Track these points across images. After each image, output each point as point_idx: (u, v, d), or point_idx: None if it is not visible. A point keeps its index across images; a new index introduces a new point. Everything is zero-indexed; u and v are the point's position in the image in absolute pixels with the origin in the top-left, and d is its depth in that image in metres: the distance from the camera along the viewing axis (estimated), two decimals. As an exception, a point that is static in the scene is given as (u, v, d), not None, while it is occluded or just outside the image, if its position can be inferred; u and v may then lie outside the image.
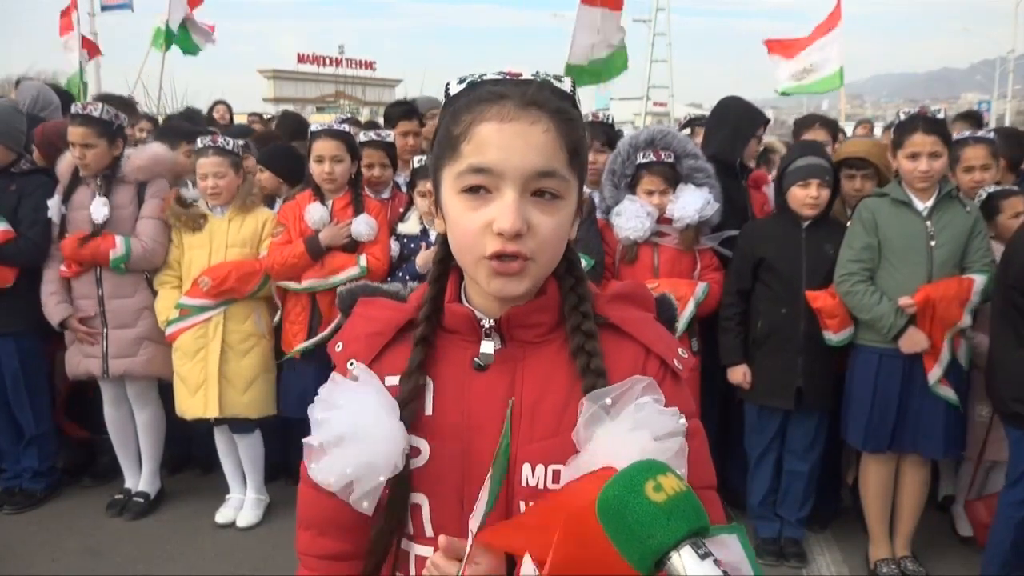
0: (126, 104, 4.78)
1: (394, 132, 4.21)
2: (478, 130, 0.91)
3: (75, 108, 3.58)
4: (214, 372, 3.51)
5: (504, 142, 0.90)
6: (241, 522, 3.68)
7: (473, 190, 0.92)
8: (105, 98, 4.68)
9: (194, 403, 3.55)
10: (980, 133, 3.60)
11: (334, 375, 1.01)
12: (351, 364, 1.01)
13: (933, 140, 2.98)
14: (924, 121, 3.00)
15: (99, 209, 3.50)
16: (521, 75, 0.94)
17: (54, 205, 3.60)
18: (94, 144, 3.49)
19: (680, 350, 1.03)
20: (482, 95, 0.92)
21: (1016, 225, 3.09)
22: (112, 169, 3.56)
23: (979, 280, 2.99)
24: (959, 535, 3.52)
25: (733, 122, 3.82)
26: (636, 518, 0.72)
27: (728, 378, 3.37)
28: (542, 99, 0.92)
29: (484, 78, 0.95)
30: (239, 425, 3.65)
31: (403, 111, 4.55)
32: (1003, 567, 2.93)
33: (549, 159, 0.91)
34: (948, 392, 3.06)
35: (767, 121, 3.90)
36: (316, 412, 0.98)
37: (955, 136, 3.66)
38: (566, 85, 0.96)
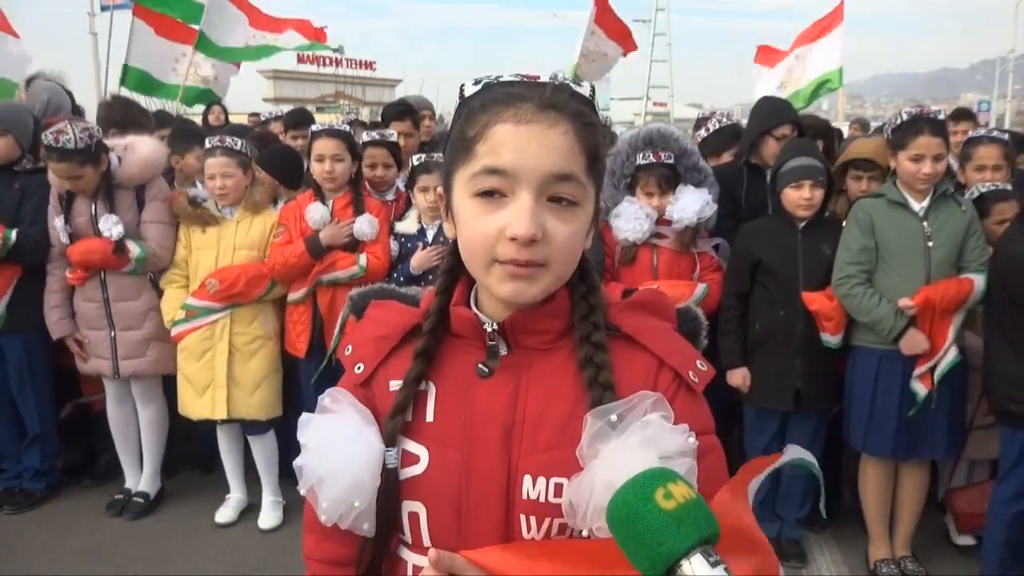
0: (142, 112, 4.76)
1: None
2: (494, 131, 0.88)
3: (47, 139, 3.38)
4: (222, 374, 3.51)
5: (520, 143, 0.87)
6: (264, 524, 3.69)
7: (487, 194, 0.89)
8: (119, 103, 4.69)
9: (201, 404, 3.55)
10: (995, 133, 3.58)
11: (320, 402, 1.00)
12: (322, 397, 1.01)
13: (939, 142, 2.97)
14: (928, 123, 2.98)
15: (113, 228, 3.47)
16: (539, 77, 0.92)
17: (60, 226, 3.56)
18: (80, 174, 3.44)
19: (699, 362, 0.98)
20: (498, 96, 0.90)
21: (1002, 231, 3.10)
22: (107, 181, 3.54)
23: (979, 280, 2.99)
24: (955, 544, 3.50)
25: (750, 122, 3.84)
26: (646, 525, 0.72)
27: (727, 381, 3.37)
28: (561, 102, 0.89)
29: (500, 79, 0.93)
30: (252, 427, 3.66)
31: (398, 111, 4.56)
32: (1000, 566, 2.94)
33: (567, 162, 0.88)
34: (920, 388, 3.03)
35: (788, 121, 3.70)
36: (299, 437, 0.99)
37: (970, 134, 3.65)
38: (585, 89, 0.93)
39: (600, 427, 0.87)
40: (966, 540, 3.48)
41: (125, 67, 6.62)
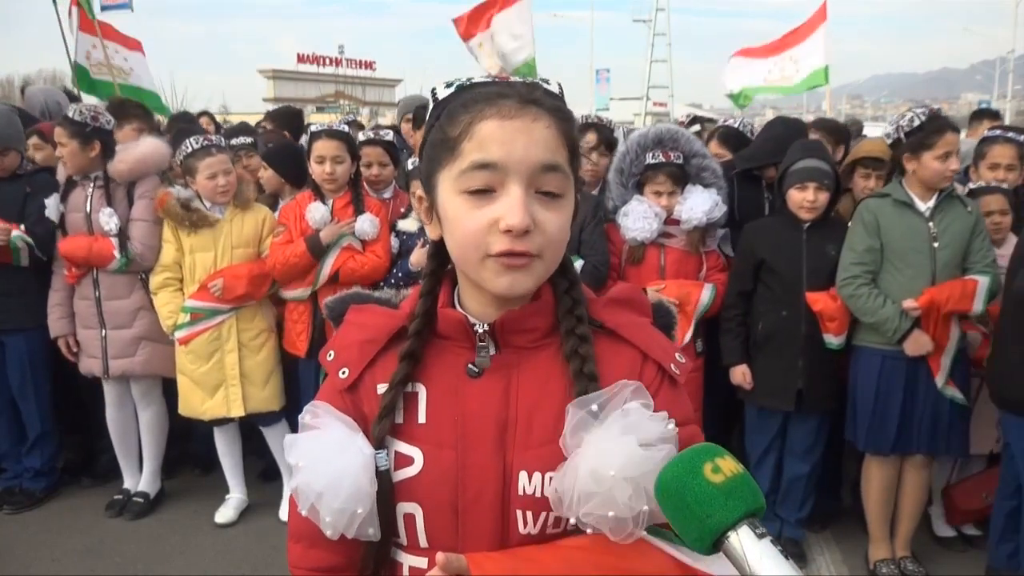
0: (139, 108, 4.79)
1: (418, 132, 4.27)
2: (479, 128, 0.89)
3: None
4: (235, 372, 3.51)
5: (507, 137, 0.89)
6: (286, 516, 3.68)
7: (477, 192, 0.90)
8: (118, 103, 4.73)
9: (215, 404, 3.54)
10: (1011, 134, 3.59)
11: (301, 420, 0.99)
12: (303, 412, 0.99)
13: (959, 138, 3.02)
14: (947, 120, 3.04)
15: (108, 220, 3.50)
16: (508, 78, 0.94)
17: (52, 204, 3.62)
18: (65, 144, 3.52)
19: (678, 355, 1.01)
20: (478, 95, 0.91)
21: (988, 222, 3.16)
22: (104, 172, 3.56)
23: (983, 281, 2.98)
24: (936, 535, 3.54)
25: (770, 143, 3.80)
26: (695, 498, 0.74)
27: (730, 379, 3.36)
28: (540, 98, 0.92)
29: (472, 80, 0.94)
30: (266, 418, 3.67)
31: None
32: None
33: (553, 153, 0.91)
34: (955, 393, 3.07)
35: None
36: (288, 459, 0.98)
37: (985, 133, 3.66)
38: (554, 87, 0.96)
39: (582, 417, 0.90)
40: (947, 532, 3.51)
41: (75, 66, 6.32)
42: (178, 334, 3.51)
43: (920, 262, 3.03)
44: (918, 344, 3.01)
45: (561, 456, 0.91)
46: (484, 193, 0.90)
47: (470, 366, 0.98)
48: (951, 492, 3.44)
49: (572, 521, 0.90)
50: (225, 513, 3.74)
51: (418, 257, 3.42)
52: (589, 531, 0.90)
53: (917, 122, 3.04)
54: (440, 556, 0.87)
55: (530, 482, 0.94)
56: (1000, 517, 3.06)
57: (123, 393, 3.79)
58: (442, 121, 0.93)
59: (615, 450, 0.85)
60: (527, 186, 0.89)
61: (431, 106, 0.97)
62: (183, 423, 3.78)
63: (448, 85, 0.95)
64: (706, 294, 3.29)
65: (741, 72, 8.57)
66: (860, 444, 3.24)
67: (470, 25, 7.57)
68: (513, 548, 0.94)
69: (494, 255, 0.90)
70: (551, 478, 0.93)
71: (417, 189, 3.54)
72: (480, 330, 0.98)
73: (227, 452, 3.77)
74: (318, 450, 0.95)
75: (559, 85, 0.97)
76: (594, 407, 0.90)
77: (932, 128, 2.99)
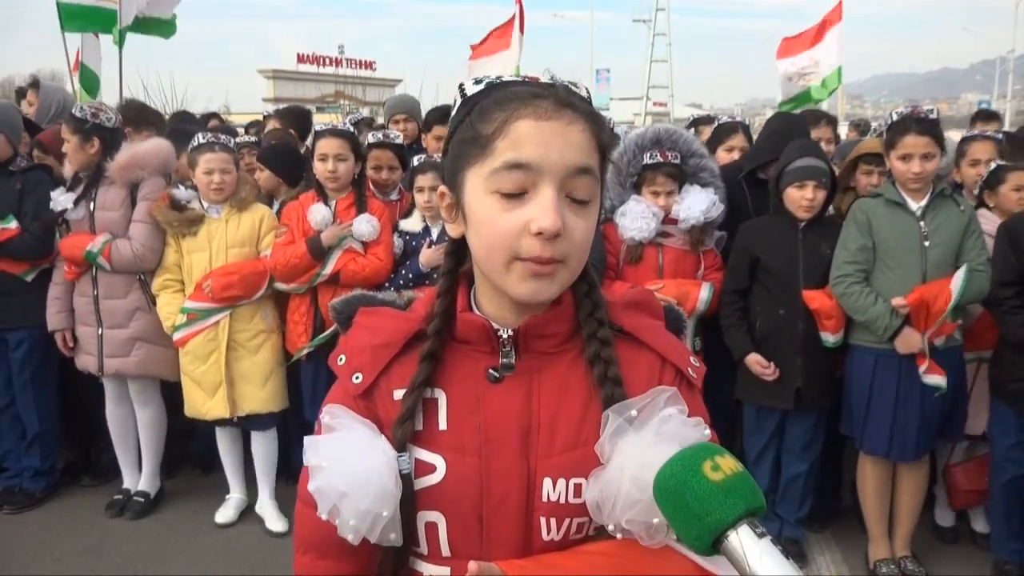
0: (143, 108, 4.81)
1: (428, 136, 4.32)
2: (515, 127, 0.87)
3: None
4: (232, 372, 3.51)
5: (543, 138, 0.87)
6: (277, 527, 3.62)
7: (509, 193, 0.88)
8: (134, 105, 4.76)
9: (214, 405, 3.54)
10: (988, 132, 3.63)
11: (321, 421, 0.97)
12: (323, 414, 0.97)
13: (926, 141, 2.97)
14: (916, 122, 2.99)
15: (58, 199, 3.55)
16: (538, 79, 0.93)
17: (58, 196, 3.60)
18: (68, 139, 3.56)
19: (692, 359, 1.01)
20: (513, 94, 0.89)
21: (1016, 198, 3.18)
22: (97, 168, 3.57)
23: (959, 273, 2.95)
24: (937, 524, 3.56)
25: (771, 142, 3.75)
26: (694, 496, 0.73)
27: (750, 369, 3.27)
28: (575, 101, 0.91)
29: (502, 79, 0.93)
30: (256, 422, 3.65)
31: (440, 115, 4.53)
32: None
33: (587, 157, 0.90)
34: (936, 380, 3.02)
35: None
36: (308, 460, 0.95)
37: (964, 134, 3.70)
38: (583, 91, 0.94)
39: (620, 423, 0.89)
40: (949, 521, 3.52)
41: (82, 67, 6.29)
42: (176, 335, 3.51)
43: (911, 261, 3.04)
44: (908, 342, 3.02)
45: (585, 461, 0.91)
46: (516, 194, 0.88)
47: (491, 371, 0.96)
48: (954, 472, 3.40)
49: (610, 528, 0.89)
50: (225, 513, 3.75)
51: (427, 256, 3.42)
52: (619, 536, 0.89)
53: (890, 121, 3.08)
54: (472, 565, 0.86)
55: (554, 488, 0.93)
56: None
57: (122, 390, 3.79)
58: (472, 118, 0.91)
59: (653, 457, 0.83)
60: (559, 189, 0.88)
61: (458, 103, 0.95)
62: (185, 423, 3.78)
63: (478, 82, 0.93)
64: (704, 293, 3.29)
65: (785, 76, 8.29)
66: (857, 442, 3.25)
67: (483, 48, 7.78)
68: (537, 555, 0.93)
69: (523, 259, 0.88)
70: (576, 485, 0.92)
71: (423, 183, 3.53)
72: (504, 336, 0.96)
73: (228, 452, 3.77)
74: (341, 450, 0.93)
75: (587, 90, 0.95)
76: (633, 412, 0.89)
77: (898, 128, 3.01)
